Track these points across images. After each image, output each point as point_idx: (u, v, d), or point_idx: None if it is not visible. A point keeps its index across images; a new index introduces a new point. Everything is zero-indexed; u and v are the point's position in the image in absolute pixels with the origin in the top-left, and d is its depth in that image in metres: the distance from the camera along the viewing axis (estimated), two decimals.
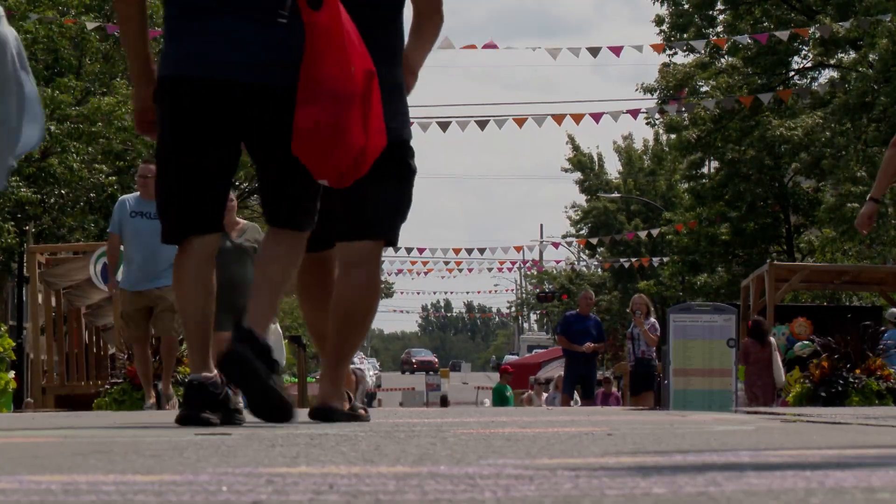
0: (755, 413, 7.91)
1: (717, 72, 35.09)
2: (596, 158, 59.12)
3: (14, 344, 14.31)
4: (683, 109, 34.41)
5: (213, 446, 3.48)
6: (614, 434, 4.16)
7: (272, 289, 5.34)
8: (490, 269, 58.11)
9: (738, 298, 24.18)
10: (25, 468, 2.68)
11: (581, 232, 57.54)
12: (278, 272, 5.33)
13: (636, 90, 37.34)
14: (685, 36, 36.28)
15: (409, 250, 47.52)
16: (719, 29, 36.23)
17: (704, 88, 35.56)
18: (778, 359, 17.81)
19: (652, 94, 36.55)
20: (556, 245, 53.09)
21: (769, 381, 17.47)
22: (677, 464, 2.71)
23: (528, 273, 75.25)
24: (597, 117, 26.15)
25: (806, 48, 35.13)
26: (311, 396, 24.75)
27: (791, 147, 32.61)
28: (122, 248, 12.90)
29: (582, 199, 59.63)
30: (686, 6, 36.34)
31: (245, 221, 13.75)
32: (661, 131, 51.13)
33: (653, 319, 21.02)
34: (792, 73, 35.86)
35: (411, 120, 5.98)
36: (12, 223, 27.67)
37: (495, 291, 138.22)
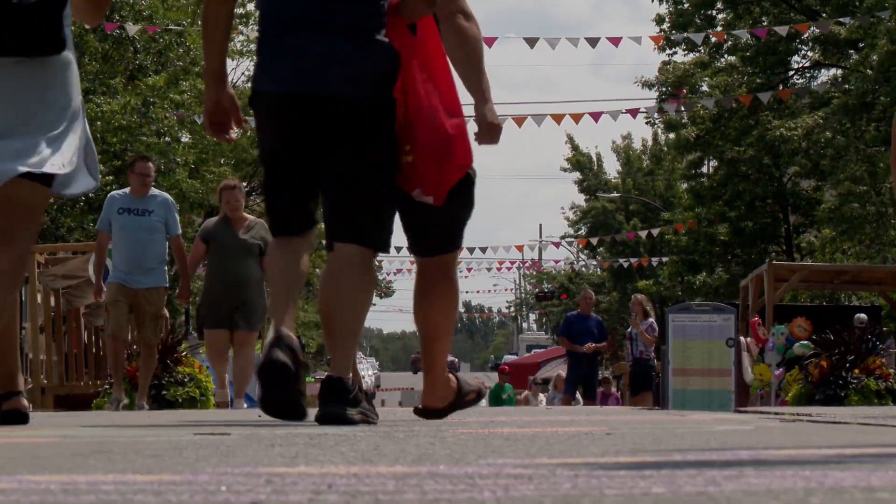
0: (755, 413, 7.92)
1: (716, 71, 35.09)
2: (595, 158, 59.12)
3: None
4: (682, 108, 34.41)
5: (213, 446, 3.48)
6: (613, 434, 4.16)
7: (353, 330, 5.39)
8: (489, 269, 58.02)
9: (738, 298, 24.16)
10: (25, 468, 2.68)
11: (580, 232, 57.53)
12: (354, 301, 5.39)
13: (635, 83, 37.36)
14: (685, 35, 36.31)
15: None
16: (719, 28, 36.23)
17: (704, 88, 35.57)
18: (746, 358, 17.87)
19: (651, 89, 36.57)
20: (556, 245, 53.09)
21: (739, 379, 17.54)
22: (677, 463, 2.71)
23: (527, 273, 75.23)
24: (596, 117, 26.14)
25: (805, 48, 35.14)
26: (310, 397, 24.74)
27: (791, 147, 32.59)
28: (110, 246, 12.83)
29: (581, 199, 59.65)
30: (686, 6, 36.36)
31: (252, 217, 13.69)
32: (659, 131, 51.17)
33: (651, 319, 21.03)
34: (791, 73, 35.87)
35: None
36: None
37: (494, 291, 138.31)
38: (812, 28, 29.08)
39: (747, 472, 2.34)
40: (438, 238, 5.89)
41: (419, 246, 5.93)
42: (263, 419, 5.70)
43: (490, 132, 5.67)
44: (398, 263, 57.82)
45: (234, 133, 5.85)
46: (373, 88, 5.38)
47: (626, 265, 46.86)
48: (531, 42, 23.70)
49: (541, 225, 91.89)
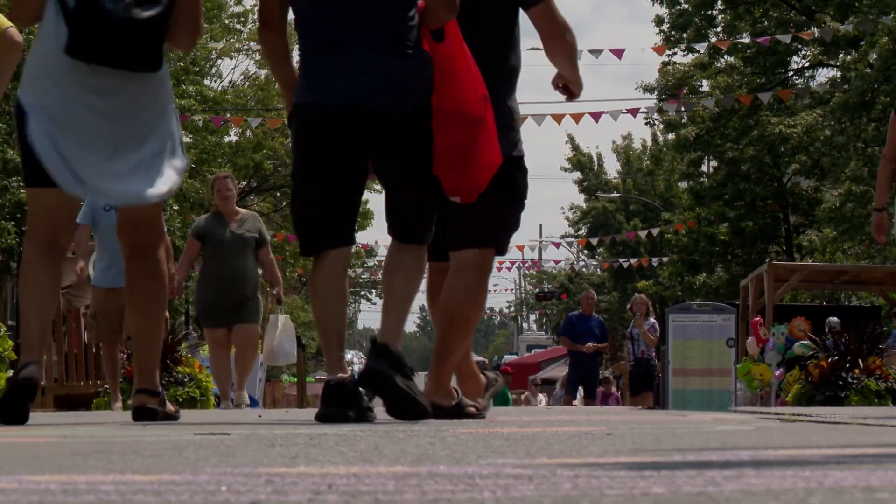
0: (754, 413, 7.92)
1: (716, 71, 35.07)
2: (595, 158, 59.09)
3: (13, 344, 14.27)
4: (682, 108, 34.38)
5: (213, 446, 3.48)
6: (613, 434, 4.16)
7: (402, 300, 5.80)
8: None
9: (738, 298, 24.15)
10: (25, 468, 2.68)
11: (580, 232, 57.50)
12: (405, 285, 5.80)
13: (636, 89, 37.34)
14: (685, 36, 36.27)
15: None
16: (718, 29, 36.22)
17: (704, 88, 35.54)
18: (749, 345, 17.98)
19: (651, 94, 36.54)
20: (556, 245, 53.06)
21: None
22: (676, 463, 2.70)
23: (528, 273, 75.19)
24: (596, 116, 26.12)
25: (805, 48, 35.12)
26: (310, 396, 24.71)
27: (790, 146, 32.59)
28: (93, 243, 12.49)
29: (581, 199, 59.60)
30: (685, 6, 36.33)
31: (245, 211, 13.57)
32: (658, 131, 51.14)
33: (652, 320, 21.03)
34: (791, 74, 35.84)
35: None
36: (12, 223, 27.64)
37: (494, 291, 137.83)
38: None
39: (747, 473, 2.34)
40: (477, 231, 6.19)
41: (459, 238, 6.24)
42: (263, 419, 5.70)
43: (575, 85, 6.32)
44: None
45: None
46: (411, 99, 5.69)
47: (626, 265, 46.84)
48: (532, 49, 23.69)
49: (541, 225, 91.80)
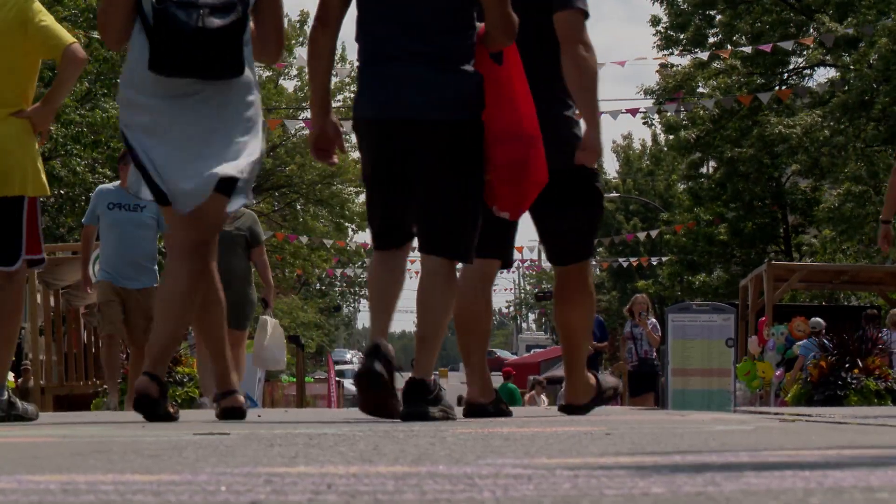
0: (754, 413, 7.92)
1: (716, 72, 35.05)
2: None
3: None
4: (682, 109, 34.36)
5: (212, 446, 3.48)
6: (613, 434, 4.16)
7: (433, 325, 5.94)
8: None
9: (737, 298, 24.17)
10: (24, 468, 2.69)
11: None
12: (437, 308, 5.93)
13: (637, 93, 37.33)
14: (683, 36, 36.25)
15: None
16: (718, 29, 36.20)
17: (704, 90, 35.52)
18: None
19: (652, 96, 36.52)
20: None
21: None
22: (676, 463, 2.71)
23: (527, 273, 75.24)
24: None
25: (805, 48, 35.10)
26: (309, 397, 24.74)
27: (789, 146, 32.58)
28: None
29: None
30: (684, 6, 36.30)
31: (244, 210, 13.43)
32: (657, 132, 51.15)
33: (653, 319, 21.00)
34: (789, 75, 35.83)
35: None
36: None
37: (494, 291, 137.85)
38: (816, 36, 29.07)
39: (747, 473, 2.34)
40: (571, 247, 6.84)
41: (555, 255, 6.90)
42: (263, 419, 5.70)
43: (588, 155, 6.54)
44: None
45: (336, 158, 6.50)
46: (456, 111, 5.88)
47: (625, 265, 46.84)
48: None
49: None
